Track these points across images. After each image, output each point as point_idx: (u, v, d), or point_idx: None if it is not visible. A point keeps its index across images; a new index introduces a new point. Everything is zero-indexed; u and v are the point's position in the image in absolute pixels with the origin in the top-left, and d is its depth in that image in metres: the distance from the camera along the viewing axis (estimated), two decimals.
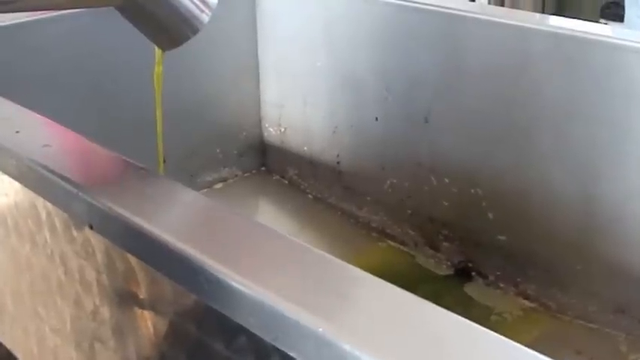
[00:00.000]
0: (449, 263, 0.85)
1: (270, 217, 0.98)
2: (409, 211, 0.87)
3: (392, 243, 0.90)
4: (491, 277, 0.82)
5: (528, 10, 2.08)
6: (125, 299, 0.50)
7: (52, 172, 0.49)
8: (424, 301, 0.36)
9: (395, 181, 0.88)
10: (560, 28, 0.71)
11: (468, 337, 0.34)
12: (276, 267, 0.39)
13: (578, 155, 0.72)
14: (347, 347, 0.33)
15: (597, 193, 0.71)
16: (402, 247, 0.89)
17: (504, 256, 0.79)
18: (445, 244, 0.85)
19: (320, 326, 0.34)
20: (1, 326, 0.72)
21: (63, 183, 0.48)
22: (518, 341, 0.34)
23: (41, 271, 0.59)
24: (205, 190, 0.99)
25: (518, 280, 0.79)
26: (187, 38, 0.55)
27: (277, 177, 1.03)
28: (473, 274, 0.83)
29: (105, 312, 0.52)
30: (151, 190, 0.47)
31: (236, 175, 1.02)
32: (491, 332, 0.34)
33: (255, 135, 1.02)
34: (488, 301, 0.80)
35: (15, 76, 0.79)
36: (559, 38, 0.70)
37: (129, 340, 0.50)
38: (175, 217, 0.46)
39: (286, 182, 1.02)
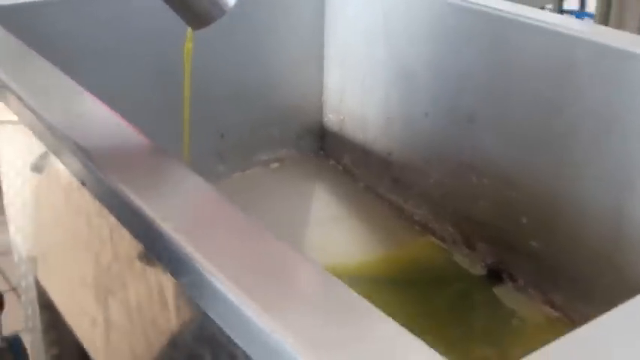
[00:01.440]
0: (483, 263, 0.85)
1: (320, 200, 1.01)
2: (450, 208, 0.88)
3: (432, 238, 0.91)
4: (521, 282, 0.81)
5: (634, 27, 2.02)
6: (127, 260, 0.54)
7: (77, 144, 0.51)
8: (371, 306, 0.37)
9: (439, 177, 0.89)
10: (605, 38, 0.70)
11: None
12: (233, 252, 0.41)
13: (613, 167, 0.71)
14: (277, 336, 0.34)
15: (630, 205, 0.70)
16: (441, 243, 0.90)
17: (535, 262, 0.79)
18: (480, 244, 0.85)
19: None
20: (46, 275, 0.78)
21: (81, 155, 0.50)
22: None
23: (73, 227, 0.64)
24: (261, 167, 1.03)
25: (546, 287, 0.79)
26: (214, 19, 0.58)
27: (333, 162, 1.05)
28: (504, 276, 0.83)
29: (115, 267, 0.57)
30: (158, 172, 0.48)
31: (293, 157, 1.05)
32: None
33: (315, 119, 1.05)
34: (514, 304, 0.80)
35: (80, 48, 0.84)
36: (603, 49, 0.69)
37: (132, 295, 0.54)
38: (171, 199, 0.46)
39: (341, 168, 1.04)
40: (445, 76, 0.84)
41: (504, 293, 0.82)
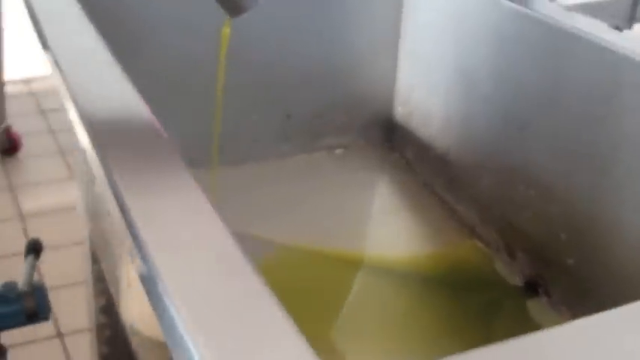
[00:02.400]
0: (521, 275, 0.84)
1: (378, 191, 1.02)
2: (497, 215, 0.87)
3: (478, 243, 0.91)
4: (555, 298, 0.80)
5: None
6: None
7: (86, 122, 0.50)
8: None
9: (490, 182, 0.88)
10: None
11: None
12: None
13: None
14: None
15: None
16: (485, 248, 0.90)
17: (568, 279, 0.78)
18: (521, 254, 0.84)
19: None
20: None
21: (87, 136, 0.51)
22: None
23: None
24: (325, 152, 1.05)
25: (576, 307, 0.77)
26: (248, 8, 0.60)
27: (397, 155, 1.06)
28: (540, 290, 0.82)
29: None
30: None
31: (359, 145, 1.06)
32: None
33: (385, 110, 1.06)
34: (543, 320, 0.79)
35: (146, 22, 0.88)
36: None
37: None
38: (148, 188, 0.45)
39: (404, 162, 1.05)
40: (502, 81, 0.83)
41: (536, 307, 0.81)
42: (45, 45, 0.59)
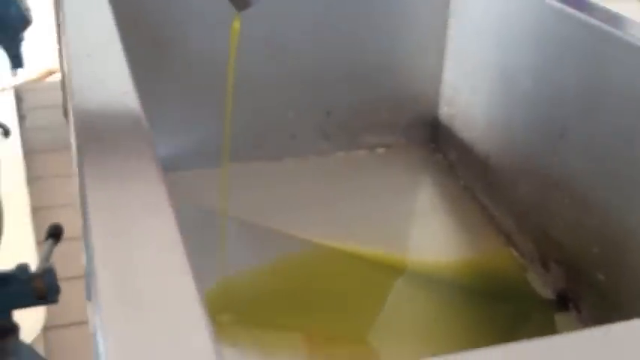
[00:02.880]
0: (553, 287, 0.81)
1: (419, 192, 1.00)
2: (533, 224, 0.84)
3: (513, 251, 0.88)
4: (584, 314, 0.77)
5: None
6: None
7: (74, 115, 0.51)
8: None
9: (528, 189, 0.85)
10: None
11: None
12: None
13: None
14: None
15: None
16: (520, 258, 0.86)
17: (598, 295, 0.74)
18: (554, 266, 0.81)
19: None
20: None
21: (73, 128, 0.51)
22: None
23: None
24: (366, 150, 1.03)
25: (605, 324, 0.73)
26: (254, 3, 0.59)
27: (440, 156, 1.04)
28: (571, 305, 0.79)
29: None
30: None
31: (401, 145, 1.04)
32: None
33: (429, 110, 1.03)
34: None
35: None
36: None
37: None
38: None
39: (447, 163, 1.02)
40: (544, 84, 0.80)
41: (565, 322, 0.78)
42: (60, 32, 0.60)
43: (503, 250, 0.88)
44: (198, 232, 0.88)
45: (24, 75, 2.13)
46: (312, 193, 0.97)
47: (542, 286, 0.82)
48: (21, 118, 2.07)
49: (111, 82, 0.53)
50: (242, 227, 0.89)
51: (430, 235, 0.92)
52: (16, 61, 1.69)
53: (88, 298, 0.37)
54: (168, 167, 0.97)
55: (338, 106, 1.00)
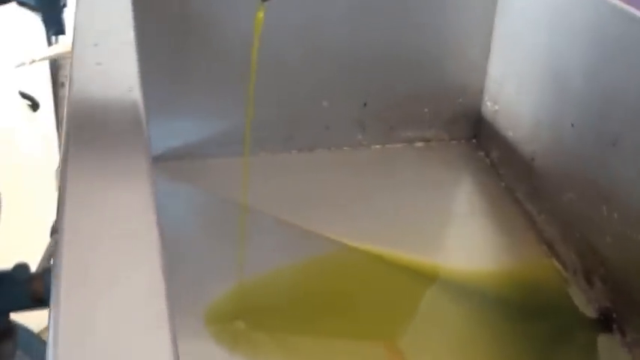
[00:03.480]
0: (597, 305, 0.75)
1: (457, 191, 0.94)
2: (577, 234, 0.78)
3: (555, 262, 0.82)
4: (629, 338, 0.71)
5: None
6: None
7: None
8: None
9: (573, 196, 0.78)
10: None
11: None
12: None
13: None
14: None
15: None
16: (562, 270, 0.80)
17: None
18: (599, 283, 0.75)
19: None
20: None
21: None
22: None
23: None
24: (404, 144, 0.98)
25: None
26: None
27: (482, 154, 0.97)
28: (614, 327, 0.73)
29: None
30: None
31: (441, 139, 0.99)
32: None
33: (472, 105, 0.97)
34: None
35: None
36: None
37: None
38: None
39: (488, 162, 0.96)
40: (597, 87, 0.73)
41: (607, 345, 0.72)
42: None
43: (544, 261, 0.82)
44: (220, 226, 0.84)
45: (64, 44, 2.11)
46: (343, 187, 0.92)
47: (585, 304, 0.76)
48: (61, 85, 2.05)
49: (115, 76, 0.49)
50: (265, 223, 0.84)
51: (466, 239, 0.86)
52: (58, 28, 1.64)
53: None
54: (196, 154, 0.93)
55: (375, 96, 0.94)
